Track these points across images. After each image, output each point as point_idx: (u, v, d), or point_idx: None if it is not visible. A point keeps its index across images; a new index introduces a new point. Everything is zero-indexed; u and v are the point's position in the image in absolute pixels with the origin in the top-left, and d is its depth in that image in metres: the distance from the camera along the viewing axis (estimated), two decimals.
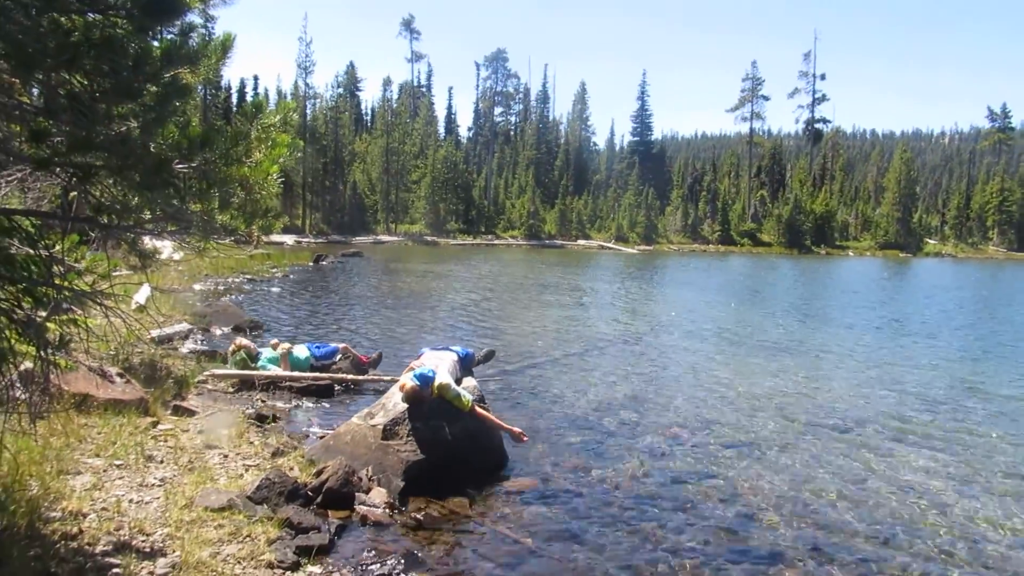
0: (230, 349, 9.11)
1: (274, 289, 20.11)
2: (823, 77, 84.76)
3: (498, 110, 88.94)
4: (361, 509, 5.04)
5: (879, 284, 32.88)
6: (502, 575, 4.38)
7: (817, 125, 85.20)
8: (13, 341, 3.48)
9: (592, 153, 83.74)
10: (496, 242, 60.82)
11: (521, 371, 10.40)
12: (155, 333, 10.25)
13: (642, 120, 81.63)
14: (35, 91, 3.73)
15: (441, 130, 79.35)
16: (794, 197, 70.63)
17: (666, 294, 24.74)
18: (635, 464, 6.52)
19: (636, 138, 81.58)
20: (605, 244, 62.49)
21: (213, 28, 4.00)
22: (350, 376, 8.94)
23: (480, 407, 6.23)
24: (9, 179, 3.78)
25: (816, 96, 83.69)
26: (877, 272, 42.03)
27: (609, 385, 9.77)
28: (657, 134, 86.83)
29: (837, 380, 10.65)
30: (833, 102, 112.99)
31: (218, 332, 12.13)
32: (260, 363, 8.84)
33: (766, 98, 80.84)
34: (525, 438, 6.28)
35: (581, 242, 63.20)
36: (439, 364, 6.37)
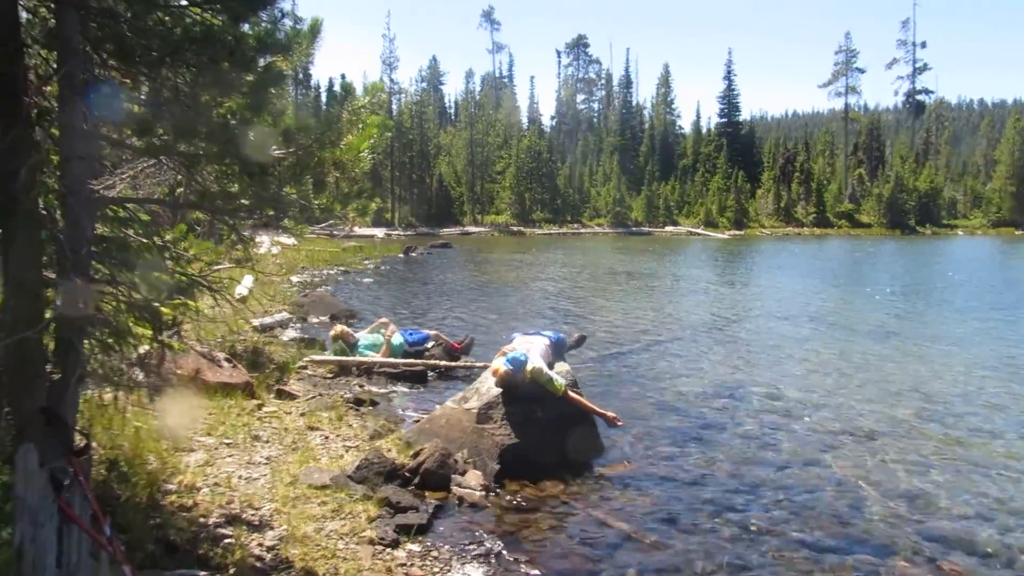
0: (331, 334, 9.39)
1: (367, 280, 20.67)
2: (923, 45, 79.54)
3: (580, 97, 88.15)
4: (457, 490, 5.10)
5: (992, 265, 30.72)
6: (598, 559, 4.33)
7: (918, 97, 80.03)
8: (131, 324, 3.70)
9: (678, 137, 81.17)
10: (582, 230, 60.30)
11: (614, 357, 10.27)
12: (257, 321, 10.73)
13: (729, 100, 78.68)
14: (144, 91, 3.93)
15: (524, 120, 79.22)
16: (895, 174, 66.58)
17: (760, 279, 23.91)
18: (732, 450, 6.33)
19: (723, 119, 78.54)
20: (694, 230, 60.89)
21: (302, 27, 4.10)
22: (443, 362, 9.07)
23: (573, 391, 6.19)
24: (123, 176, 4.02)
25: (916, 66, 78.57)
26: (989, 252, 39.27)
27: (703, 371, 9.52)
28: (745, 114, 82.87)
29: (948, 367, 10.00)
30: (935, 71, 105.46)
31: (315, 321, 12.56)
32: (358, 350, 9.08)
33: (861, 71, 76.44)
34: (619, 422, 6.18)
35: (669, 228, 61.80)
36: (531, 349, 6.35)
